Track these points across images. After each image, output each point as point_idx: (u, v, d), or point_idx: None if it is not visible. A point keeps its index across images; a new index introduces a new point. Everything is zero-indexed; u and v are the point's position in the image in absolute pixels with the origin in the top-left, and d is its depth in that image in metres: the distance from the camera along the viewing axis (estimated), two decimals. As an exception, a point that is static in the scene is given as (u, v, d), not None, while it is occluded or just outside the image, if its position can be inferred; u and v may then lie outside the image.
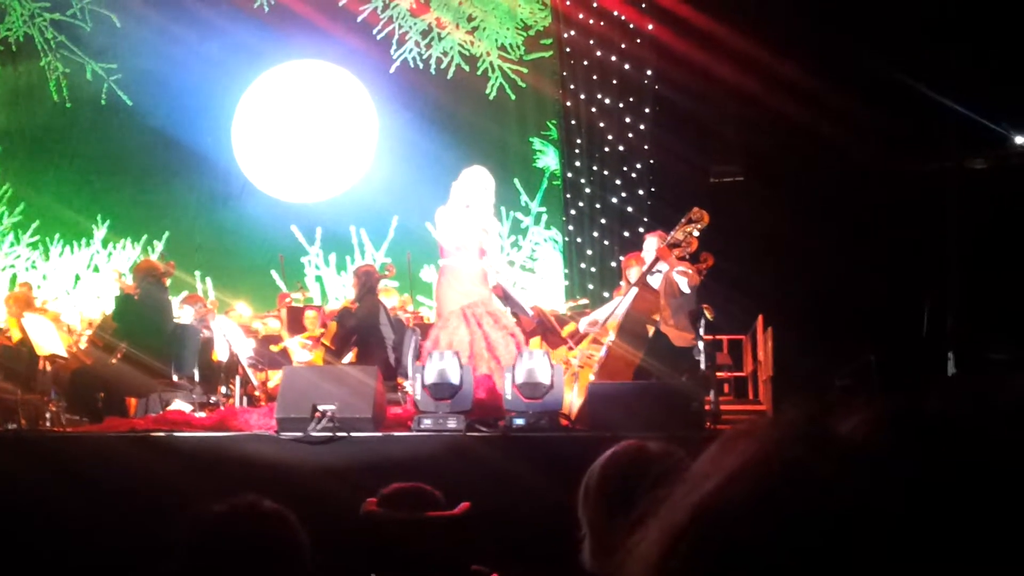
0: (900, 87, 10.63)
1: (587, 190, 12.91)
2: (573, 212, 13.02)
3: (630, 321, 7.70)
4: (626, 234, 12.42)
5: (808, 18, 11.11)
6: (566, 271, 13.15)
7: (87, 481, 6.02)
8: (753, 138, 11.96)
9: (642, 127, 12.80)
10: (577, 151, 13.05)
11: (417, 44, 13.97)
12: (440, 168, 12.03)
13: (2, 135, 14.68)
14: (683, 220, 8.04)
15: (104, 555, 5.65)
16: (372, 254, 13.54)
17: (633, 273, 8.39)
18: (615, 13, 12.82)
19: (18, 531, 5.85)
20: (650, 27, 12.64)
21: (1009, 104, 11.14)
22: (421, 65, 13.96)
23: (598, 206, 12.86)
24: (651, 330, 7.75)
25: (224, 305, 11.68)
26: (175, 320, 9.26)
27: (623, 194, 12.75)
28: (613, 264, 12.40)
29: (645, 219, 12.22)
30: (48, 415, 8.08)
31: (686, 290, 8.03)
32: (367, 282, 9.18)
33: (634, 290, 7.96)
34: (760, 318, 10.15)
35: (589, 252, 12.85)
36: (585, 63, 12.99)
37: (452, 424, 6.31)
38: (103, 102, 14.45)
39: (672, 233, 8.09)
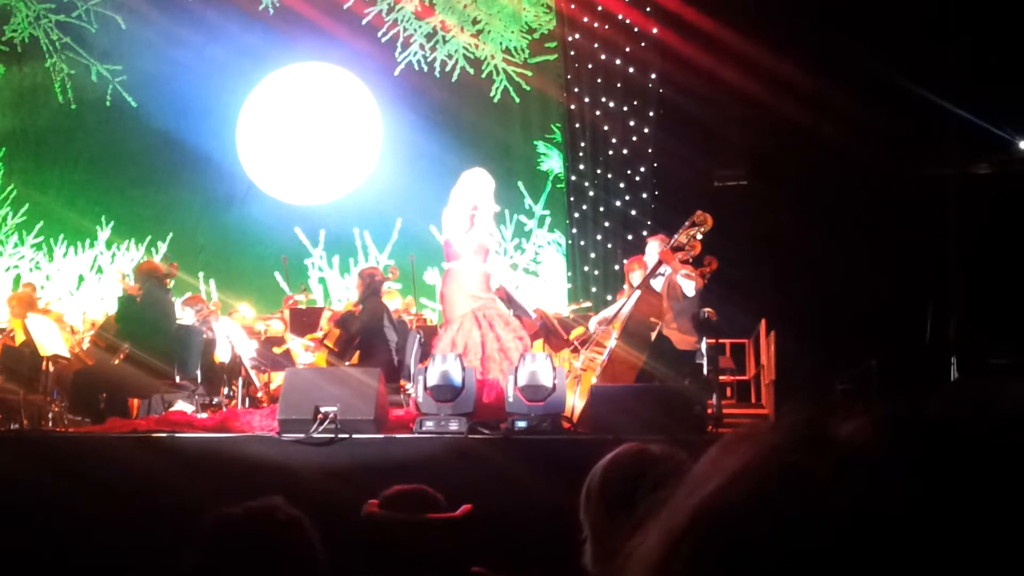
0: (905, 91, 10.62)
1: (591, 193, 12.91)
2: (577, 215, 13.02)
3: (633, 324, 7.70)
4: (629, 237, 12.41)
5: (812, 22, 11.12)
6: (569, 274, 13.14)
7: (89, 481, 6.02)
8: (757, 142, 11.97)
9: (646, 130, 12.80)
10: (581, 154, 13.05)
11: (422, 47, 13.98)
12: (444, 171, 12.03)
13: (7, 136, 14.71)
14: (687, 223, 8.04)
15: (105, 555, 5.65)
16: (375, 256, 13.54)
17: (636, 276, 8.39)
18: (619, 16, 12.83)
19: (20, 530, 5.85)
20: (654, 30, 12.65)
21: (1013, 109, 11.14)
22: (425, 68, 13.97)
23: (602, 209, 12.86)
24: (653, 333, 7.75)
25: (227, 307, 11.69)
26: (178, 321, 9.27)
27: (627, 197, 12.75)
28: (616, 267, 12.39)
29: (649, 222, 12.22)
30: (51, 415, 8.08)
31: (690, 293, 8.03)
32: (371, 284, 9.19)
33: (637, 293, 7.96)
34: (763, 322, 10.14)
35: (592, 255, 12.85)
36: (589, 66, 12.99)
37: (454, 426, 6.31)
38: (108, 103, 14.48)
39: (675, 236, 8.09)
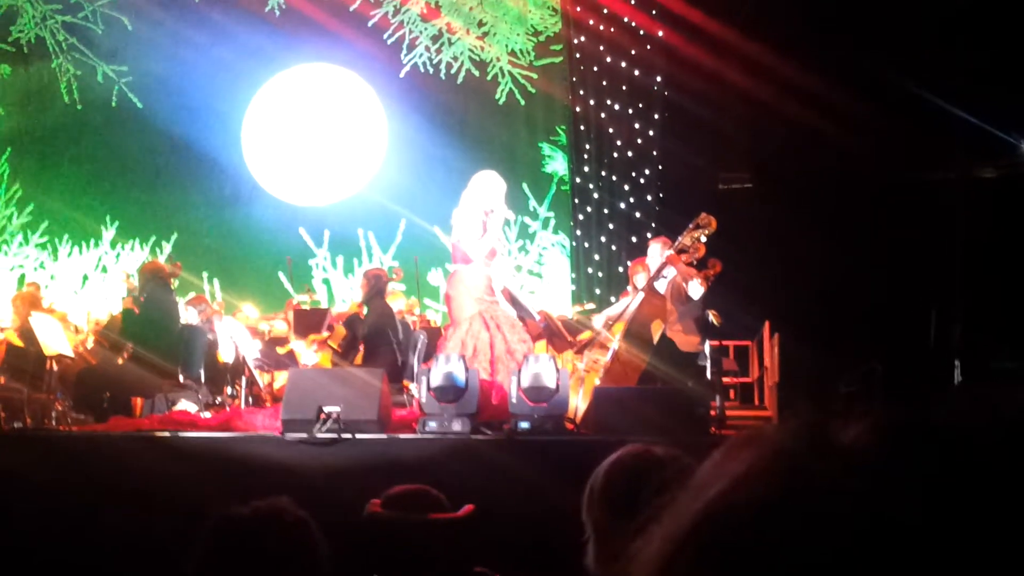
0: (909, 95, 10.61)
1: (595, 195, 12.91)
2: (581, 217, 13.02)
3: (636, 326, 7.69)
4: (634, 240, 12.41)
5: (818, 25, 11.11)
6: (573, 276, 13.14)
7: (92, 480, 6.03)
8: (761, 145, 11.96)
9: (651, 133, 12.80)
10: (586, 156, 13.05)
11: (427, 49, 13.99)
12: (448, 172, 12.08)
13: (13, 136, 14.74)
14: (691, 226, 8.03)
15: (109, 554, 5.66)
16: (380, 257, 13.56)
17: (640, 279, 8.39)
18: (625, 19, 12.83)
19: (23, 529, 5.86)
20: (660, 33, 12.65)
21: (1018, 112, 11.12)
22: (431, 70, 13.98)
23: (606, 211, 12.86)
24: (657, 335, 7.75)
25: (231, 307, 11.71)
26: (182, 321, 9.28)
27: (631, 200, 12.75)
28: (620, 269, 12.39)
29: (653, 225, 12.22)
30: (54, 414, 8.09)
31: (695, 296, 8.03)
32: (376, 285, 9.20)
33: (640, 295, 7.96)
34: (767, 324, 10.14)
35: (596, 257, 12.85)
36: (595, 69, 12.99)
37: (457, 427, 6.31)
38: (113, 104, 14.50)
39: (679, 239, 8.08)
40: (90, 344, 9.71)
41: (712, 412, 7.29)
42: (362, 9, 14.02)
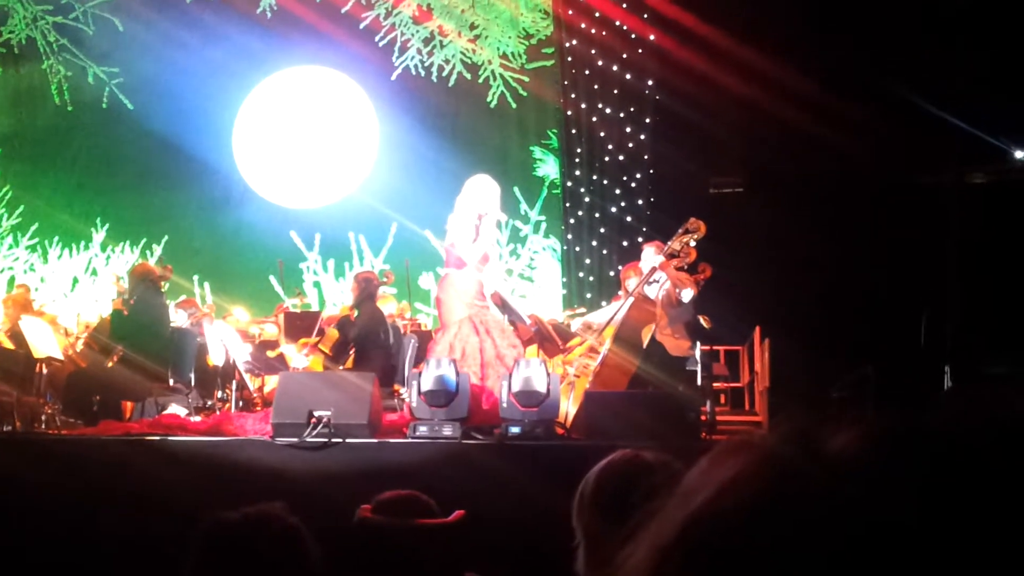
0: (901, 100, 10.64)
1: (587, 199, 12.91)
2: (572, 221, 13.02)
3: (626, 330, 7.70)
4: (625, 244, 12.41)
5: (810, 30, 11.14)
6: (564, 280, 13.14)
7: (82, 484, 6.01)
8: (753, 149, 11.99)
9: (642, 136, 12.80)
10: (577, 160, 13.05)
11: (419, 51, 13.98)
12: (440, 175, 12.06)
13: (3, 137, 14.69)
14: (680, 231, 8.06)
15: (98, 558, 5.64)
16: (371, 261, 13.54)
17: (632, 283, 8.40)
18: (617, 23, 12.83)
19: (12, 533, 5.83)
20: (652, 37, 12.66)
21: (1010, 118, 11.16)
22: (423, 72, 13.97)
23: (597, 215, 12.86)
24: (646, 339, 7.75)
25: (222, 310, 11.67)
26: (172, 324, 9.26)
27: (623, 203, 12.75)
28: (612, 273, 12.40)
29: (644, 229, 12.22)
30: (44, 417, 8.06)
31: (686, 300, 8.05)
32: (366, 288, 9.19)
33: (630, 300, 7.97)
34: (758, 329, 10.15)
35: (588, 261, 12.85)
36: (586, 72, 13.00)
37: (448, 431, 6.31)
38: (104, 106, 14.46)
39: (669, 244, 8.10)
40: (80, 347, 9.67)
41: (703, 417, 7.30)
42: (354, 11, 14.01)
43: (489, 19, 13.82)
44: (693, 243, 8.01)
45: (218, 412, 8.14)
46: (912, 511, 0.57)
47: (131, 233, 14.16)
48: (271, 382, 9.07)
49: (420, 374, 6.59)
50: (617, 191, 12.78)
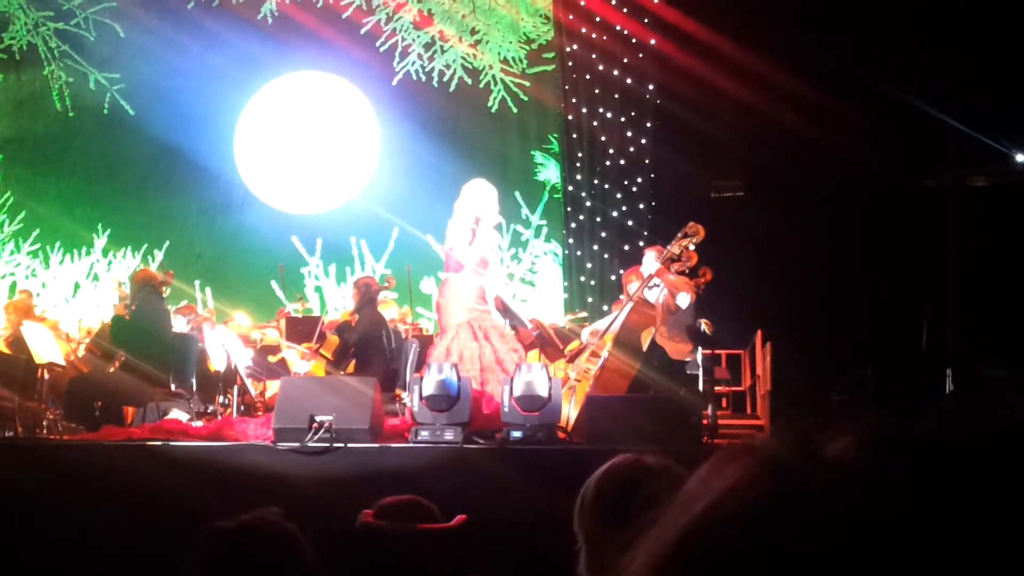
0: (902, 103, 10.65)
1: (588, 203, 12.91)
2: (573, 225, 13.02)
3: (625, 334, 7.69)
4: (626, 248, 12.41)
5: (810, 34, 11.15)
6: (566, 284, 13.14)
7: (84, 489, 6.01)
8: (754, 153, 11.99)
9: (643, 141, 12.81)
10: (578, 164, 13.06)
11: (420, 56, 14.00)
12: (441, 180, 12.07)
13: (4, 143, 14.71)
14: (679, 235, 8.06)
15: (99, 563, 5.64)
16: (372, 265, 13.54)
17: (634, 287, 8.40)
18: (618, 27, 12.84)
19: (14, 538, 5.83)
20: (652, 41, 12.67)
21: (1010, 122, 11.17)
22: (424, 77, 13.98)
23: (598, 219, 12.86)
24: (646, 343, 7.75)
25: (223, 315, 11.68)
26: (174, 329, 9.26)
27: (624, 208, 12.76)
28: (613, 277, 12.40)
29: (645, 233, 12.22)
30: (45, 423, 8.06)
31: (683, 305, 8.06)
32: (367, 293, 9.19)
33: (630, 304, 7.97)
34: (759, 333, 10.15)
35: (589, 265, 12.85)
36: (587, 77, 13.01)
37: (449, 436, 6.30)
38: (106, 111, 14.48)
39: (668, 247, 8.11)
40: (81, 352, 9.67)
41: (704, 421, 7.29)
42: (355, 17, 14.03)
43: (490, 24, 13.83)
44: (693, 247, 8.02)
45: (220, 417, 8.14)
46: (913, 516, 0.57)
47: (132, 238, 14.17)
48: (272, 387, 9.08)
49: (421, 379, 6.59)
50: (618, 195, 12.79)
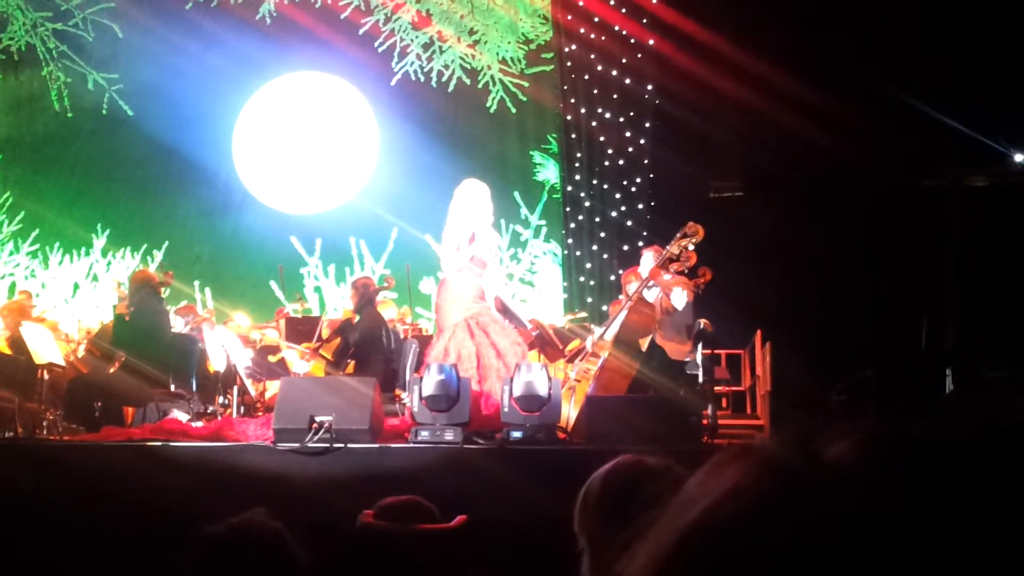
0: (901, 103, 10.65)
1: (587, 204, 12.92)
2: (572, 225, 13.03)
3: (625, 334, 7.69)
4: (625, 248, 12.42)
5: (810, 34, 11.15)
6: (565, 284, 13.15)
7: (83, 490, 6.01)
8: (753, 153, 11.99)
9: (642, 141, 12.81)
10: (577, 164, 13.06)
11: (419, 57, 14.00)
12: (440, 180, 12.05)
13: (3, 144, 14.71)
14: (678, 235, 8.06)
15: (99, 564, 5.64)
16: (371, 266, 13.54)
17: (633, 287, 8.41)
18: (616, 28, 12.85)
19: (14, 539, 5.83)
20: (651, 42, 12.68)
21: (1010, 122, 11.17)
22: (422, 78, 13.99)
23: (598, 220, 12.87)
24: (645, 343, 7.75)
25: (223, 315, 11.67)
26: (173, 330, 9.26)
27: (623, 208, 12.76)
28: (612, 277, 12.41)
29: (644, 233, 12.23)
30: (45, 423, 8.06)
31: (679, 306, 8.07)
32: (365, 294, 9.19)
33: (628, 304, 7.97)
34: (759, 333, 10.15)
35: (588, 265, 12.86)
36: (586, 77, 13.01)
37: (449, 436, 6.30)
38: (104, 112, 14.48)
39: (667, 248, 8.11)
40: (81, 353, 9.67)
41: (704, 421, 7.29)
42: (353, 17, 14.03)
43: (488, 24, 13.83)
44: (692, 247, 8.01)
45: (219, 417, 8.13)
46: (913, 516, 0.57)
47: (132, 239, 14.18)
48: (272, 387, 9.07)
49: (421, 379, 6.59)
50: (617, 195, 12.80)
